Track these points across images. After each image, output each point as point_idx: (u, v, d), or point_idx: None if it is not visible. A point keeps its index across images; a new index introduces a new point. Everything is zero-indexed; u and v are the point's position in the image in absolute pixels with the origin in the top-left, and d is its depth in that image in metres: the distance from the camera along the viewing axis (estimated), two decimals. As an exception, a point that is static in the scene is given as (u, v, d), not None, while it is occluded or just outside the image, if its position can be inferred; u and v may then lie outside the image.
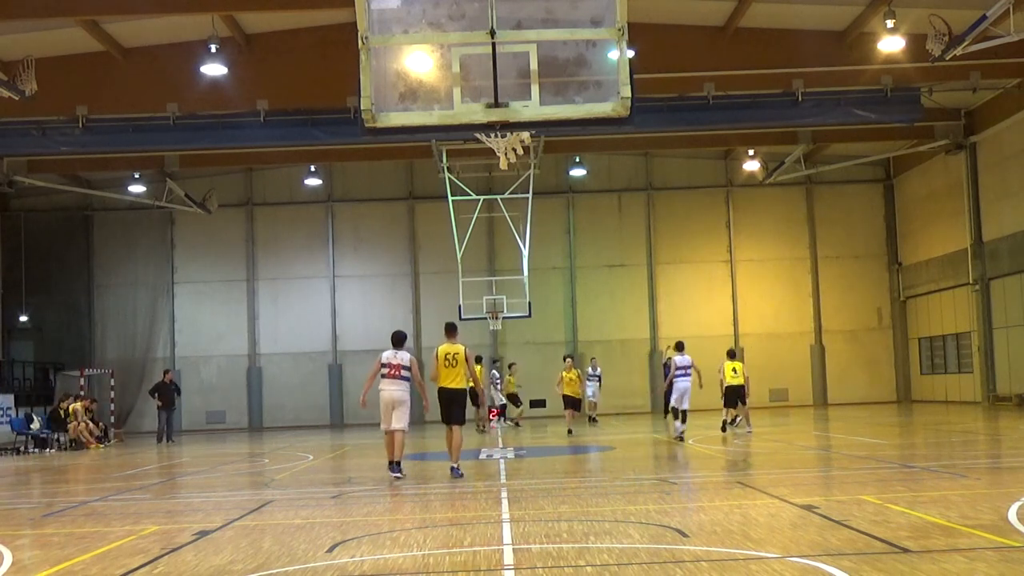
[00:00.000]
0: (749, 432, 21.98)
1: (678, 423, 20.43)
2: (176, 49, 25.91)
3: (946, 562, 7.12)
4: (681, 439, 20.15)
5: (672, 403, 20.76)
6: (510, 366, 32.04)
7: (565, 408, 26.64)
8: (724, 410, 22.64)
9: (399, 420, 14.57)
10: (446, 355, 14.64)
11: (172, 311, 38.92)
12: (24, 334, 38.11)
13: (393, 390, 14.62)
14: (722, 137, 34.22)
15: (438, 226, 35.65)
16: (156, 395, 30.48)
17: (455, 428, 14.73)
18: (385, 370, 14.73)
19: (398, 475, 14.52)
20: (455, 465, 14.64)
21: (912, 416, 29.37)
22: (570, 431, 25.10)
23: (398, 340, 15.10)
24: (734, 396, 22.18)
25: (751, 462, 16.39)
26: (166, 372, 32.24)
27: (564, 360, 27.89)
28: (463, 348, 14.79)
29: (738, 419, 22.70)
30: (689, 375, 20.50)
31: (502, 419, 30.20)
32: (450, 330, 15.08)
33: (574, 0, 8.11)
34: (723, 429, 22.25)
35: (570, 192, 39.15)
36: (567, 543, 8.57)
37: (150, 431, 36.12)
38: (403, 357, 14.81)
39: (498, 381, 30.81)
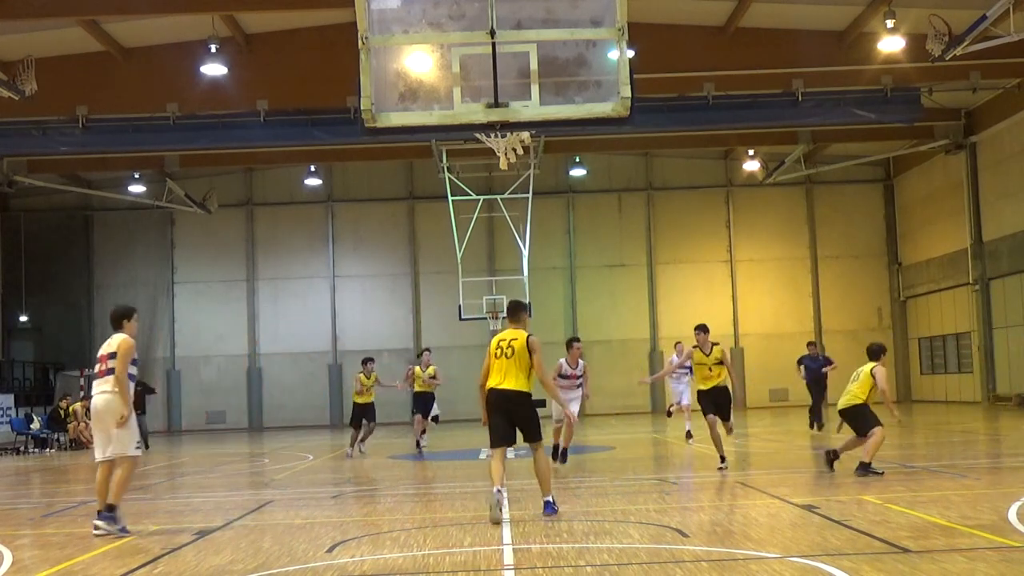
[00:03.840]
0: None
1: None
2: (176, 49, 25.91)
3: (946, 562, 7.12)
4: None
5: None
6: (420, 355, 22.78)
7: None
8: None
9: (116, 443, 9.76)
10: (499, 343, 10.26)
11: (172, 311, 38.92)
12: (24, 334, 38.11)
13: (97, 396, 9.88)
14: (722, 137, 34.23)
15: (438, 226, 35.66)
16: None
17: (536, 449, 10.40)
18: (95, 368, 10.12)
19: (105, 527, 9.74)
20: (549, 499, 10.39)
21: (912, 416, 29.36)
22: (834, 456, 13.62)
23: (114, 318, 10.21)
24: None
25: (751, 462, 16.38)
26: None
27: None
28: (525, 335, 10.22)
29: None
30: None
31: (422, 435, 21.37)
32: (513, 311, 10.62)
33: (574, 0, 8.11)
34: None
35: (570, 192, 39.15)
36: (567, 543, 8.57)
37: (150, 431, 36.08)
38: (113, 342, 9.95)
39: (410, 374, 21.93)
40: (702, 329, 14.81)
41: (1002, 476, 13.08)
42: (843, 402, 13.88)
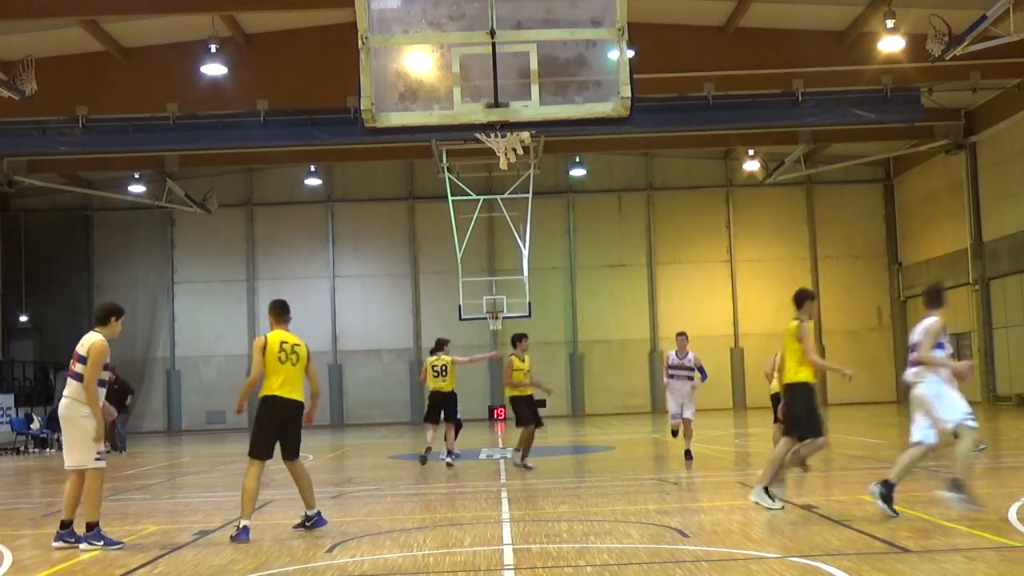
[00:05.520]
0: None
1: None
2: (176, 49, 25.92)
3: (946, 562, 7.12)
4: None
5: None
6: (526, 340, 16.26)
7: None
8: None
9: (76, 453, 9.12)
10: (282, 345, 9.53)
11: (172, 311, 38.95)
12: (24, 334, 38.10)
13: (62, 399, 9.35)
14: (722, 137, 34.23)
15: (438, 226, 35.66)
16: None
17: (297, 465, 9.84)
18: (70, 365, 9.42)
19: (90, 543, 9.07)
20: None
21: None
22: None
23: (101, 315, 9.67)
24: None
25: (751, 462, 16.37)
26: (113, 371, 27.37)
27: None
28: (303, 342, 9.71)
29: None
30: None
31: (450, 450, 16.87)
32: (285, 310, 9.88)
33: (574, 0, 8.11)
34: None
35: (570, 192, 39.15)
36: (567, 543, 8.56)
37: (150, 431, 36.18)
38: (86, 343, 9.37)
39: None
40: None
41: (1002, 476, 13.08)
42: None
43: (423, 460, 16.34)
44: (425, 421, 17.03)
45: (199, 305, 38.95)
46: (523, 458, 15.64)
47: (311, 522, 9.70)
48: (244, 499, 9.37)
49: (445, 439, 16.78)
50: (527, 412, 15.67)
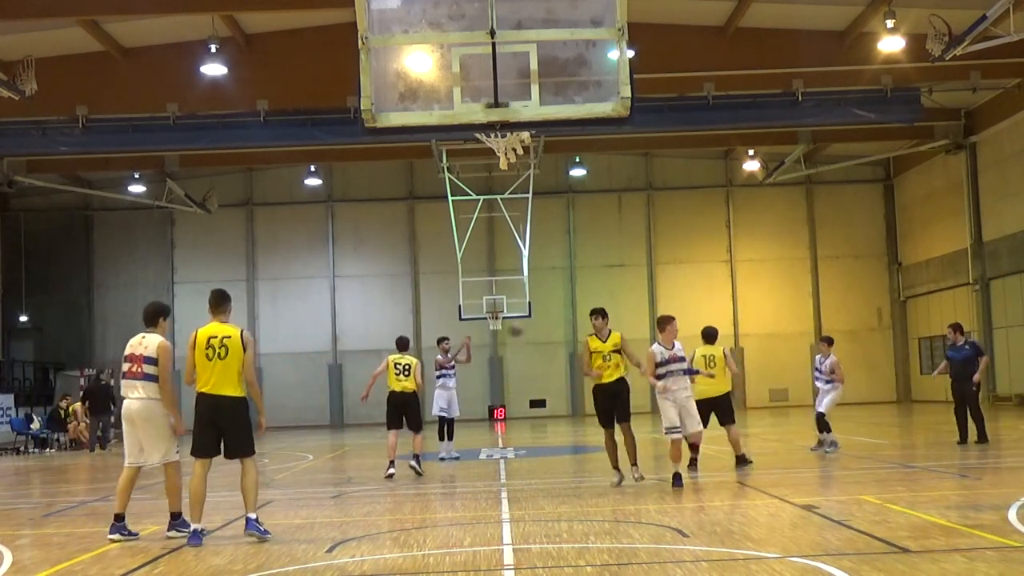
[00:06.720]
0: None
1: None
2: (176, 49, 25.91)
3: (946, 562, 7.12)
4: None
5: None
6: (598, 316, 13.86)
7: None
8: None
9: (159, 448, 9.63)
10: (210, 340, 9.38)
11: (172, 311, 38.89)
12: (24, 334, 38.08)
13: (131, 400, 9.65)
14: (722, 137, 34.23)
15: (438, 226, 35.65)
16: (87, 401, 26.47)
17: (246, 464, 9.39)
18: (125, 366, 9.77)
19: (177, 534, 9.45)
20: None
21: (912, 416, 29.37)
22: None
23: (151, 315, 10.00)
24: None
25: (751, 462, 16.35)
26: (100, 373, 28.28)
27: None
28: (237, 331, 9.49)
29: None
30: None
31: (446, 443, 18.31)
32: (220, 301, 9.89)
33: (574, 0, 8.12)
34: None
35: (570, 192, 39.15)
36: (567, 543, 8.56)
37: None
38: (152, 345, 9.73)
39: (450, 370, 18.42)
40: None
41: (1002, 476, 13.07)
42: (710, 392, 14.35)
43: (391, 472, 14.80)
44: (388, 428, 15.30)
45: (199, 305, 38.53)
46: (633, 465, 13.00)
47: (247, 525, 9.17)
48: (190, 502, 9.25)
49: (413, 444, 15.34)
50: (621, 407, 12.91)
